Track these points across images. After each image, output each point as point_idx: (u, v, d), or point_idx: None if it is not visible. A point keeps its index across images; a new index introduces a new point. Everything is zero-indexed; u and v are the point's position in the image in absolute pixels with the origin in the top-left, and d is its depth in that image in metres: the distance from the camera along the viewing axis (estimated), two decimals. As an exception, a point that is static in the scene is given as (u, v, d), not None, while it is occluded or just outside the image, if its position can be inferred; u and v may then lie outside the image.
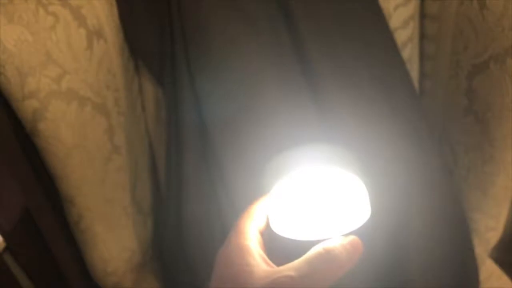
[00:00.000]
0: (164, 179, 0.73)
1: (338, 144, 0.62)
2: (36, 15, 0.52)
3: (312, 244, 0.34)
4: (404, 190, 0.64)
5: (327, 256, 0.32)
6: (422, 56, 0.72)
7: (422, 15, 0.69)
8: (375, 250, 0.68)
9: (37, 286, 0.69)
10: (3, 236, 0.62)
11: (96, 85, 0.61)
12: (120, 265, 0.71)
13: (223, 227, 0.68)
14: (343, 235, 0.34)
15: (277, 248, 0.37)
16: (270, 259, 0.35)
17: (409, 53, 0.72)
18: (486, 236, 0.71)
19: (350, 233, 0.35)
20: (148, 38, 0.68)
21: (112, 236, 0.68)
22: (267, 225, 0.38)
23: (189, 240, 0.69)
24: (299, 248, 0.34)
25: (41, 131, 0.54)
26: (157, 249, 0.78)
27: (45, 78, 0.53)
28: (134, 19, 0.68)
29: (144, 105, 0.76)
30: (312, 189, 0.36)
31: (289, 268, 0.32)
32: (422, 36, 0.71)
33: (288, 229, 0.36)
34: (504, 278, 0.72)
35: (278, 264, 0.34)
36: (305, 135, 0.64)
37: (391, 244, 0.66)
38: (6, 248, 0.63)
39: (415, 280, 0.65)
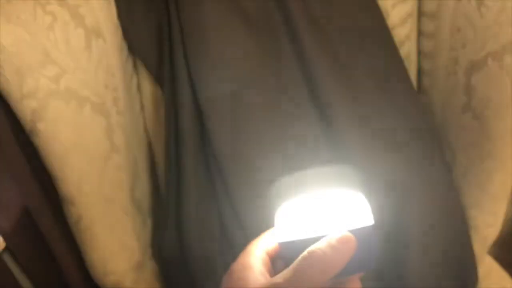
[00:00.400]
0: (164, 178, 0.73)
1: (334, 140, 0.62)
2: (33, 15, 0.52)
3: (307, 243, 0.34)
4: (404, 186, 0.64)
5: (311, 259, 0.33)
6: (420, 53, 0.72)
7: (420, 12, 0.70)
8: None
9: (36, 286, 0.68)
10: (3, 236, 0.62)
11: (95, 85, 0.61)
12: (119, 264, 0.71)
13: (223, 227, 0.68)
14: (332, 233, 0.35)
15: (284, 258, 0.38)
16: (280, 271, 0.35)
17: (407, 50, 0.72)
18: (485, 233, 0.71)
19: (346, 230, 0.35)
20: (146, 37, 0.68)
21: (112, 236, 0.68)
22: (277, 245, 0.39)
23: (189, 239, 0.69)
24: (299, 251, 0.34)
25: (40, 131, 0.54)
26: (156, 248, 0.78)
27: (44, 78, 0.53)
28: (132, 18, 0.68)
29: (143, 104, 0.76)
30: (316, 211, 0.37)
31: (277, 277, 0.33)
32: (420, 34, 0.71)
33: (290, 236, 0.37)
34: (503, 274, 0.72)
35: None
36: (304, 131, 0.64)
37: (390, 240, 0.67)
38: (6, 248, 0.63)
39: (414, 277, 0.65)
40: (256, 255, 0.37)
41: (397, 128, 0.66)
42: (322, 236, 0.34)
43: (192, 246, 0.69)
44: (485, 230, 0.71)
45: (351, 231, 0.35)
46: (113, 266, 0.70)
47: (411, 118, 0.66)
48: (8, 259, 0.64)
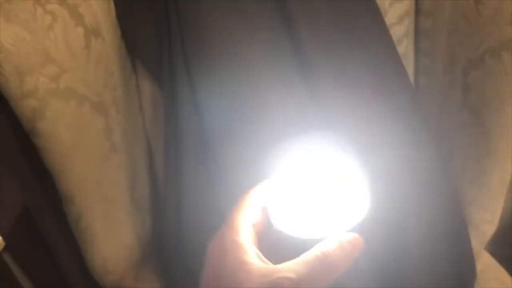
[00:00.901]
0: (163, 177, 0.73)
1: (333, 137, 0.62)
2: (33, 14, 0.52)
3: (310, 242, 0.34)
4: (402, 185, 0.64)
5: (325, 260, 0.33)
6: (418, 51, 0.73)
7: (418, 11, 0.70)
8: (374, 246, 0.69)
9: (36, 285, 0.69)
10: (3, 236, 0.62)
11: (94, 84, 0.61)
12: (119, 263, 0.71)
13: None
14: (342, 233, 0.34)
15: (275, 242, 0.37)
16: (264, 250, 0.35)
17: (405, 49, 0.72)
18: (482, 229, 0.72)
19: (351, 230, 0.35)
20: (145, 37, 0.68)
21: (112, 235, 0.68)
22: (264, 219, 0.37)
23: (188, 237, 0.69)
24: (297, 245, 0.34)
25: (40, 130, 0.54)
26: (156, 247, 0.78)
27: (44, 77, 0.53)
28: (131, 18, 0.68)
29: (141, 104, 0.76)
30: (311, 180, 0.36)
31: (288, 270, 0.32)
32: (418, 32, 0.71)
33: (287, 223, 0.36)
34: (500, 270, 0.73)
35: (272, 256, 0.34)
36: (302, 128, 0.64)
37: (390, 239, 0.67)
38: (5, 248, 0.63)
39: (413, 273, 0.65)
40: (244, 232, 0.35)
41: (395, 126, 0.66)
42: (323, 238, 0.34)
43: (192, 244, 0.69)
44: (483, 226, 0.72)
45: (354, 227, 0.35)
46: (113, 265, 0.70)
47: (409, 116, 0.66)
48: (7, 258, 0.64)
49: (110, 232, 0.68)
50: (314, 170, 0.37)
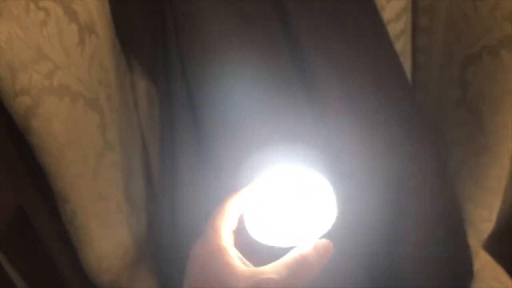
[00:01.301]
0: (158, 175, 0.72)
1: (328, 137, 0.62)
2: (26, 10, 0.51)
3: (284, 250, 0.37)
4: (399, 182, 0.64)
5: (303, 262, 0.36)
6: (415, 48, 0.73)
7: (415, 7, 0.70)
8: (369, 243, 0.68)
9: (30, 284, 0.68)
10: (-4, 235, 0.61)
11: (89, 81, 0.61)
12: (114, 262, 0.70)
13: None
14: (315, 239, 0.38)
15: (248, 248, 0.40)
16: (242, 254, 0.38)
17: (402, 45, 0.72)
18: (480, 227, 0.72)
19: (322, 236, 0.39)
20: (139, 34, 0.68)
21: (106, 233, 0.68)
22: (240, 226, 0.40)
23: (184, 236, 0.69)
24: (271, 251, 0.38)
25: (33, 127, 0.54)
26: (151, 245, 0.78)
27: (37, 74, 0.52)
28: (125, 14, 0.67)
29: (136, 101, 0.75)
30: (283, 191, 0.40)
31: (270, 271, 0.35)
32: (415, 28, 0.71)
33: (261, 231, 0.39)
34: (498, 268, 0.73)
35: (249, 259, 0.38)
36: (297, 127, 0.64)
37: (385, 236, 0.67)
38: (-1, 247, 0.63)
39: (410, 271, 0.65)
40: (226, 236, 0.38)
41: (392, 123, 0.66)
42: (297, 245, 0.37)
43: (187, 243, 0.68)
44: (480, 224, 0.71)
45: (325, 235, 0.39)
46: (107, 264, 0.69)
47: (406, 113, 0.66)
48: (1, 257, 0.64)
49: (105, 230, 0.67)
50: (287, 182, 0.41)
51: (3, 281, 0.65)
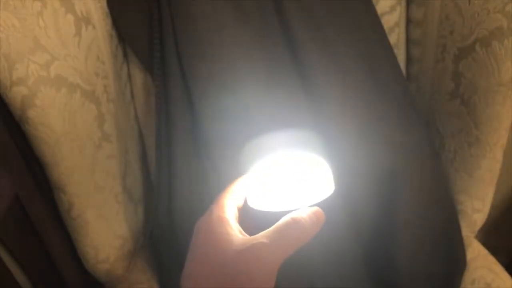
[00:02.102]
0: (155, 166, 0.73)
1: (324, 126, 0.63)
2: (23, 1, 0.51)
3: (281, 215, 0.39)
4: (392, 173, 0.65)
5: (295, 225, 0.37)
6: (409, 40, 0.73)
7: (409, 0, 0.70)
8: (364, 235, 0.69)
9: (28, 274, 0.68)
10: (-7, 225, 0.62)
11: (85, 72, 0.61)
12: (111, 252, 0.71)
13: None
14: (308, 206, 0.39)
15: (252, 220, 0.43)
16: (246, 230, 0.40)
17: (396, 38, 0.72)
18: (473, 218, 0.73)
19: (315, 205, 0.40)
20: (136, 25, 0.68)
21: (103, 224, 0.68)
22: (245, 202, 0.43)
23: (180, 226, 0.69)
24: (270, 218, 0.39)
25: (30, 118, 0.54)
26: (148, 236, 0.78)
27: (34, 64, 0.52)
28: (122, 6, 0.67)
29: (133, 93, 0.75)
30: (284, 169, 0.42)
31: (262, 236, 0.36)
32: (409, 21, 0.72)
33: (263, 204, 0.41)
34: (490, 258, 0.74)
35: (253, 232, 0.38)
36: (293, 117, 0.65)
37: (379, 227, 0.67)
38: (-4, 237, 0.63)
39: (404, 262, 0.66)
40: (229, 210, 0.40)
41: (386, 115, 0.66)
42: (292, 210, 0.39)
43: (184, 233, 0.69)
44: (473, 215, 0.72)
45: (318, 204, 0.40)
46: (105, 255, 0.70)
47: (400, 105, 0.67)
48: (-1, 248, 0.64)
49: (102, 221, 0.68)
50: (287, 161, 0.43)
51: (1, 270, 0.65)
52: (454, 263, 0.70)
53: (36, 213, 0.64)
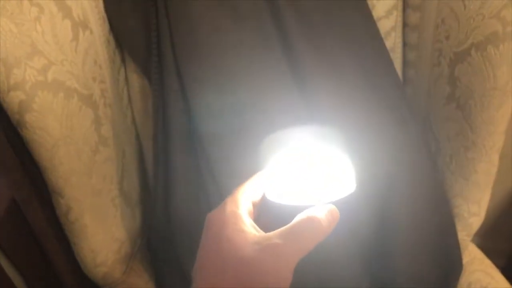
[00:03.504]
0: (152, 169, 0.73)
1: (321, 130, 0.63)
2: (20, 6, 0.52)
3: (299, 209, 0.38)
4: (389, 176, 0.65)
5: (310, 224, 0.36)
6: (405, 45, 0.73)
7: (405, 4, 0.70)
8: (361, 237, 0.69)
9: (25, 278, 0.69)
10: (-9, 229, 0.62)
11: (83, 76, 0.61)
12: (109, 256, 0.71)
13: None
14: (324, 204, 0.38)
15: (270, 213, 0.42)
16: (263, 224, 0.39)
17: (393, 42, 0.73)
18: (469, 221, 0.73)
19: (331, 203, 0.39)
20: (133, 29, 0.68)
21: (101, 227, 0.68)
22: (263, 196, 0.42)
23: (178, 229, 0.69)
24: (288, 212, 0.38)
25: (27, 122, 0.54)
26: (146, 239, 0.78)
27: (31, 69, 0.52)
28: (119, 10, 0.68)
29: (130, 97, 0.76)
30: (303, 164, 0.40)
31: (277, 236, 0.36)
32: (405, 25, 0.72)
33: (281, 198, 0.40)
34: (486, 262, 0.74)
35: (270, 227, 0.38)
36: (290, 121, 0.65)
37: (376, 230, 0.68)
38: (-6, 241, 0.63)
39: (400, 265, 0.66)
40: (244, 205, 0.39)
41: (382, 119, 0.66)
42: (311, 205, 0.38)
43: (181, 236, 0.69)
44: (470, 219, 0.72)
45: (334, 202, 0.39)
46: (102, 258, 0.70)
47: (396, 109, 0.67)
48: (-4, 251, 0.64)
49: (99, 225, 0.68)
50: (305, 156, 0.41)
51: (-2, 274, 0.65)
52: (451, 266, 0.70)
53: (34, 216, 0.64)
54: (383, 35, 0.68)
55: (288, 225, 0.37)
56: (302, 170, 0.39)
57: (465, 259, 0.72)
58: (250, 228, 0.37)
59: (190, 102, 0.65)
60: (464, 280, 0.71)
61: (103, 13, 0.67)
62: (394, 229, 0.65)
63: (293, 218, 0.37)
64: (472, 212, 0.72)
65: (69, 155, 0.60)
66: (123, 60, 0.74)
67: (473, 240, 0.77)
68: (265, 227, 0.39)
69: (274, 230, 0.37)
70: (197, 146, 0.67)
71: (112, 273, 0.73)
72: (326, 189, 0.39)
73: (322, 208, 0.38)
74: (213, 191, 0.67)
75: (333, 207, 0.38)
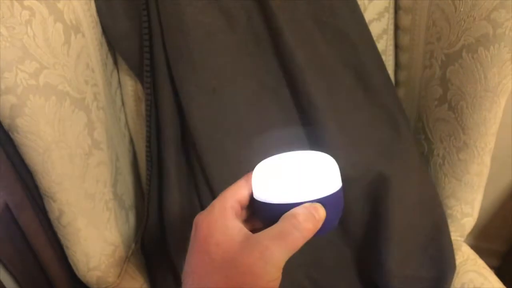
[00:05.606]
0: (145, 173, 0.73)
1: (314, 132, 0.63)
2: (11, 10, 0.51)
3: (287, 207, 0.38)
4: (381, 178, 0.65)
5: (295, 222, 0.37)
6: (397, 47, 0.74)
7: (397, 7, 0.71)
8: (353, 238, 0.69)
9: (18, 282, 0.68)
10: (-17, 234, 0.61)
11: (75, 80, 0.61)
12: (102, 260, 0.71)
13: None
14: (310, 202, 0.39)
15: (259, 214, 0.42)
16: (252, 225, 0.41)
17: (385, 44, 0.73)
18: (462, 222, 0.73)
19: (317, 201, 0.39)
20: (126, 33, 0.68)
21: (94, 231, 0.68)
22: (251, 196, 0.42)
23: (171, 233, 0.69)
24: (275, 212, 0.39)
25: (19, 126, 0.54)
26: (139, 243, 0.78)
27: (22, 73, 0.52)
28: (111, 14, 0.67)
29: (123, 100, 0.76)
30: (290, 164, 0.41)
31: (264, 236, 0.36)
32: (397, 28, 0.72)
33: (269, 197, 0.40)
34: (480, 262, 0.74)
35: (259, 227, 0.39)
36: (283, 122, 0.65)
37: (369, 230, 0.68)
38: (-14, 246, 0.63)
39: (393, 265, 0.66)
40: (231, 207, 0.40)
41: (375, 121, 0.67)
42: (298, 203, 0.38)
43: (175, 240, 0.69)
44: (462, 219, 0.73)
45: (324, 198, 0.39)
46: (96, 262, 0.70)
47: (389, 110, 0.67)
48: (-12, 256, 0.64)
49: (93, 228, 0.67)
50: (292, 156, 0.42)
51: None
52: (444, 267, 0.70)
53: (26, 220, 0.64)
54: (375, 38, 0.69)
55: (275, 225, 0.37)
56: (289, 170, 0.40)
57: (458, 259, 0.73)
58: (238, 230, 0.38)
59: (183, 106, 0.65)
60: (457, 281, 0.71)
61: (95, 16, 0.67)
62: (386, 230, 0.65)
63: (279, 214, 0.38)
64: (465, 213, 0.72)
65: (62, 159, 0.59)
66: (115, 63, 0.73)
67: (466, 241, 0.78)
68: (255, 228, 0.40)
69: (259, 225, 0.38)
70: (190, 150, 0.67)
71: (106, 277, 0.72)
72: (313, 187, 0.39)
73: (308, 206, 0.38)
74: (206, 195, 0.67)
75: (319, 204, 0.39)
